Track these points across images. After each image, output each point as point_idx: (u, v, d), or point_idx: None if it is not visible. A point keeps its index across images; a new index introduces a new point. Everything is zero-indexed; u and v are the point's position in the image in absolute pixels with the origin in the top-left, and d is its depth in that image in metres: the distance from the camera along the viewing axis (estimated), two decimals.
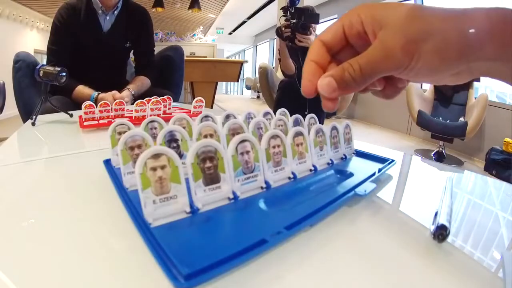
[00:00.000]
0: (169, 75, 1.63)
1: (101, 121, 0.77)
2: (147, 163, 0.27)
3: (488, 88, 3.41)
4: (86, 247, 0.26)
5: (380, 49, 0.21)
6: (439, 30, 0.20)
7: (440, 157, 2.84)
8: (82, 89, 1.21)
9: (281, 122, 0.51)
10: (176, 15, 6.26)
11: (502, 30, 0.18)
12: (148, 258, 0.24)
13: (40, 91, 0.82)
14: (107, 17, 1.28)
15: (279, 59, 1.92)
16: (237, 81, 3.84)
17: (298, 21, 1.54)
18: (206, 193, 0.30)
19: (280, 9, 1.66)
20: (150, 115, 0.84)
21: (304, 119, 0.52)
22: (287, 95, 2.26)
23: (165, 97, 0.94)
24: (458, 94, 3.01)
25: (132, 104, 1.09)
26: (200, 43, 6.56)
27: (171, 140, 0.38)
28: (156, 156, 0.28)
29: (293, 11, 1.55)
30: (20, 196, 0.37)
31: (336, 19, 0.25)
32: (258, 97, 8.28)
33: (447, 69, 0.20)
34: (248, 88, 9.35)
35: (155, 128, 0.45)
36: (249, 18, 7.53)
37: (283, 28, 1.59)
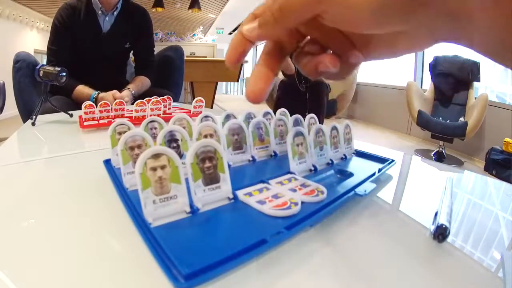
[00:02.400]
0: (169, 75, 1.63)
1: (101, 121, 0.77)
2: (147, 163, 0.27)
3: (488, 88, 3.42)
4: (86, 247, 0.26)
5: None
6: None
7: (440, 157, 2.84)
8: (82, 89, 1.21)
9: (281, 122, 0.51)
10: (176, 15, 6.25)
11: None
12: (148, 258, 0.24)
13: (40, 91, 0.82)
14: (107, 18, 1.28)
15: None
16: (237, 81, 3.84)
17: None
18: (206, 193, 0.30)
19: None
20: (150, 115, 0.84)
21: (304, 119, 0.53)
22: (287, 94, 2.27)
23: (165, 97, 0.94)
24: (458, 94, 3.01)
25: (132, 104, 1.09)
26: (200, 43, 6.57)
27: (171, 140, 0.38)
28: (156, 156, 0.28)
29: None
30: (20, 196, 0.37)
31: None
32: None
33: (377, 15, 0.16)
34: None
35: (155, 128, 0.45)
36: None
37: None
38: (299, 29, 0.22)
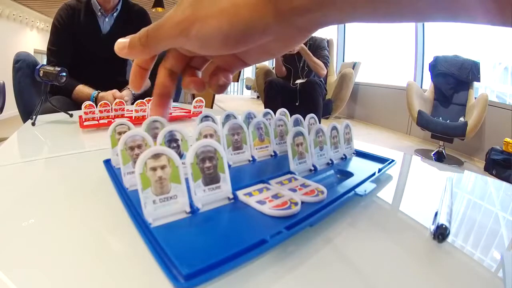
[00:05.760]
0: None
1: (101, 121, 0.77)
2: (147, 163, 0.27)
3: (488, 88, 3.42)
4: (86, 247, 0.26)
5: (165, 18, 0.22)
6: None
7: (440, 157, 2.84)
8: (82, 88, 1.21)
9: (281, 122, 0.51)
10: None
11: None
12: (148, 258, 0.24)
13: (40, 91, 0.82)
14: (106, 19, 1.28)
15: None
16: (237, 81, 3.84)
17: None
18: (206, 193, 0.30)
19: None
20: (150, 115, 0.84)
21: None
22: (276, 94, 2.27)
23: None
24: (458, 94, 3.01)
25: (132, 104, 1.09)
26: None
27: (171, 140, 0.38)
28: (156, 156, 0.28)
29: None
30: (20, 196, 0.37)
31: None
32: (258, 97, 8.27)
33: (245, 35, 0.19)
34: (248, 88, 9.35)
35: (157, 128, 0.45)
36: None
37: None
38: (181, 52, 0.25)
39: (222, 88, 0.25)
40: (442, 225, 0.29)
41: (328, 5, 0.17)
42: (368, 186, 0.38)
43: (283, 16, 0.18)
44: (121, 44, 0.24)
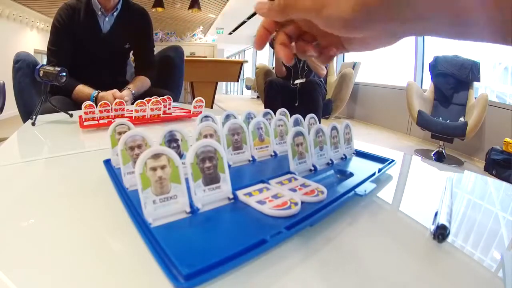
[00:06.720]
0: (169, 75, 1.63)
1: (101, 121, 0.77)
2: (147, 163, 0.27)
3: (488, 88, 3.42)
4: (86, 247, 0.26)
5: None
6: None
7: (440, 157, 2.84)
8: (82, 88, 1.21)
9: (281, 122, 0.51)
10: (176, 15, 6.25)
11: None
12: (148, 258, 0.24)
13: (40, 91, 0.82)
14: (107, 19, 1.28)
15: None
16: (237, 81, 3.84)
17: None
18: (206, 193, 0.30)
19: None
20: (150, 115, 0.84)
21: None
22: (276, 94, 2.27)
23: (165, 97, 0.94)
24: (458, 94, 3.01)
25: (132, 104, 1.09)
26: (200, 43, 6.56)
27: (171, 140, 0.38)
28: (156, 156, 0.28)
29: None
30: (20, 196, 0.37)
31: None
32: (258, 97, 8.27)
33: (360, 24, 0.23)
34: (248, 88, 9.35)
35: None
36: (249, 18, 7.53)
37: (274, 39, 1.84)
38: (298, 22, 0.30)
39: (331, 58, 0.31)
40: (442, 225, 0.29)
41: (430, 20, 0.21)
42: (368, 186, 0.38)
43: (399, 21, 0.22)
44: (263, 4, 0.28)
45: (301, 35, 0.31)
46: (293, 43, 0.31)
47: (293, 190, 0.35)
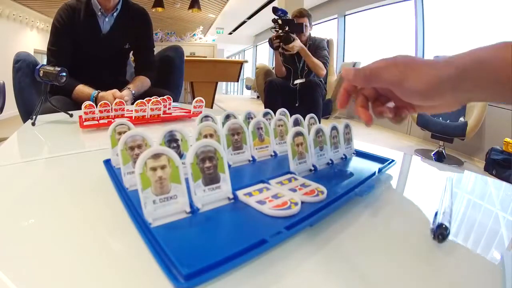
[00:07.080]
0: (169, 75, 1.63)
1: (101, 121, 0.77)
2: (147, 163, 0.27)
3: None
4: (86, 247, 0.26)
5: (385, 62, 0.30)
6: (426, 65, 0.28)
7: (440, 157, 2.84)
8: (82, 88, 1.21)
9: (281, 122, 0.51)
10: (176, 15, 6.25)
11: (476, 69, 0.25)
12: (148, 258, 0.24)
13: (40, 91, 0.82)
14: (106, 19, 1.28)
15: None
16: (237, 81, 3.84)
17: (283, 33, 1.87)
18: (206, 193, 0.30)
19: (272, 21, 1.98)
20: (150, 115, 0.84)
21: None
22: (276, 94, 2.28)
23: (165, 97, 0.94)
24: None
25: (132, 104, 1.09)
26: (200, 43, 6.56)
27: (171, 140, 0.38)
28: (156, 156, 0.28)
29: (280, 23, 1.88)
30: (20, 196, 0.37)
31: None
32: (258, 97, 8.27)
33: (433, 94, 0.28)
34: (248, 88, 9.35)
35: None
36: (249, 18, 7.53)
37: (274, 39, 1.91)
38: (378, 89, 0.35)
39: (404, 120, 0.35)
40: (442, 225, 0.29)
41: (486, 91, 0.26)
42: (368, 186, 0.38)
43: (462, 91, 0.27)
44: (349, 70, 0.33)
45: (377, 97, 0.35)
46: (369, 103, 0.35)
47: (293, 190, 0.35)
